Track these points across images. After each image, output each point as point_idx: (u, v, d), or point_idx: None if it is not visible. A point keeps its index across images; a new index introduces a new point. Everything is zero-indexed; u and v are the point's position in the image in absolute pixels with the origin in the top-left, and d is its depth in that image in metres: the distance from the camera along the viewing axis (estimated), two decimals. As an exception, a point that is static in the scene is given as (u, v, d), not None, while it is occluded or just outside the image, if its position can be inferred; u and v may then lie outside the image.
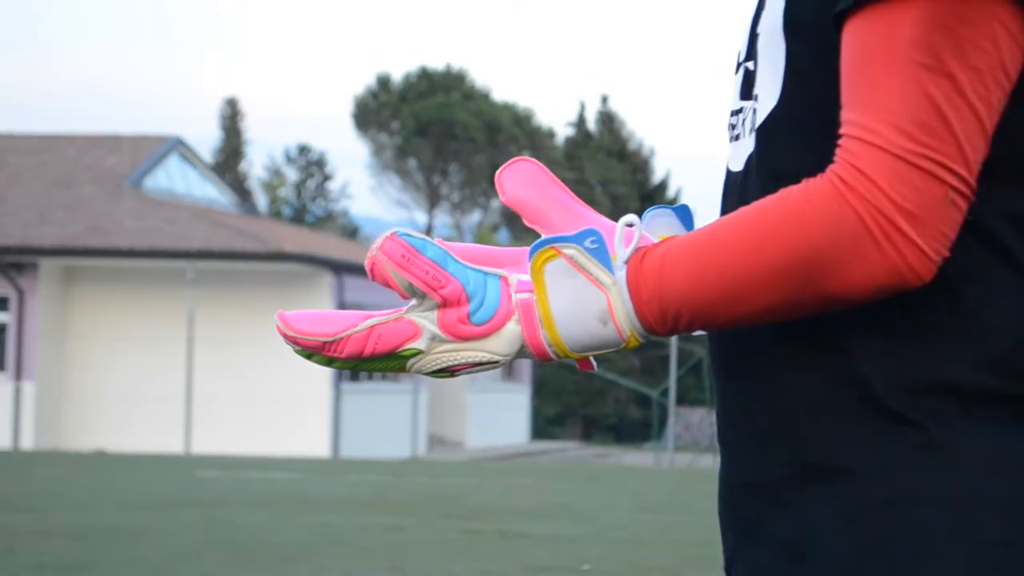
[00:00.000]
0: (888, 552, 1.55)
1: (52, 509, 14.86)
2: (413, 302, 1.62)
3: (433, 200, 66.04)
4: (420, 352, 1.62)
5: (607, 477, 25.25)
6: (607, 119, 62.42)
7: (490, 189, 63.66)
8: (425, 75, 66.31)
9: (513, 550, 12.12)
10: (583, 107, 63.62)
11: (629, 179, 60.18)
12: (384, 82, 66.67)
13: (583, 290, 1.59)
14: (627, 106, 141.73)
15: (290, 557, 11.34)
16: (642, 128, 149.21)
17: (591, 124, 62.58)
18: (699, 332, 1.62)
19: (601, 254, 1.59)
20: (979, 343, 1.56)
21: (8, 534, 12.27)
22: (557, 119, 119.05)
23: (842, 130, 1.53)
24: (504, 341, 1.61)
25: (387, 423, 37.90)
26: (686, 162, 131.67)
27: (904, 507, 1.55)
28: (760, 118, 1.65)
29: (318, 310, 1.65)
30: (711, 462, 32.15)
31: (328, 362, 1.63)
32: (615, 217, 1.67)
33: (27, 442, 33.62)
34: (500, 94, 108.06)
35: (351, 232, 68.22)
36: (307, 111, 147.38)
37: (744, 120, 1.70)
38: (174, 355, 34.34)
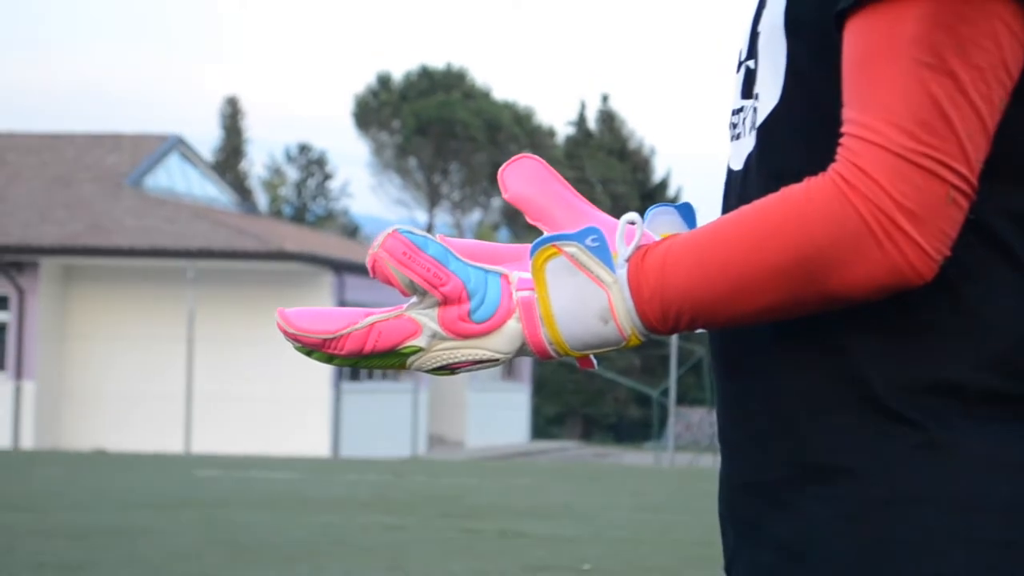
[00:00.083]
0: (888, 552, 1.55)
1: (52, 509, 14.86)
2: (414, 299, 1.62)
3: (433, 199, 66.01)
4: (420, 350, 1.62)
5: (607, 477, 25.24)
6: (607, 118, 62.45)
7: (491, 188, 63.66)
8: (425, 74, 66.28)
9: (513, 549, 12.12)
10: (583, 106, 63.73)
11: (629, 178, 60.19)
12: (384, 81, 66.64)
13: (584, 288, 1.59)
14: (628, 105, 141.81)
15: (290, 557, 11.33)
16: (643, 127, 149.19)
17: (591, 123, 62.61)
18: (700, 331, 1.62)
19: (602, 252, 1.59)
20: (980, 342, 1.56)
21: (8, 534, 12.26)
22: (557, 118, 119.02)
23: (844, 129, 1.53)
24: (505, 339, 1.61)
25: (387, 423, 37.89)
26: (686, 161, 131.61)
27: (904, 507, 1.55)
28: (761, 117, 1.65)
29: (318, 307, 1.64)
30: (711, 462, 32.13)
31: (328, 359, 1.63)
32: (615, 216, 1.66)
33: (27, 441, 33.61)
34: (500, 93, 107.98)
35: (352, 231, 68.20)
36: (307, 110, 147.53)
37: (745, 119, 1.70)
38: (174, 354, 34.33)
